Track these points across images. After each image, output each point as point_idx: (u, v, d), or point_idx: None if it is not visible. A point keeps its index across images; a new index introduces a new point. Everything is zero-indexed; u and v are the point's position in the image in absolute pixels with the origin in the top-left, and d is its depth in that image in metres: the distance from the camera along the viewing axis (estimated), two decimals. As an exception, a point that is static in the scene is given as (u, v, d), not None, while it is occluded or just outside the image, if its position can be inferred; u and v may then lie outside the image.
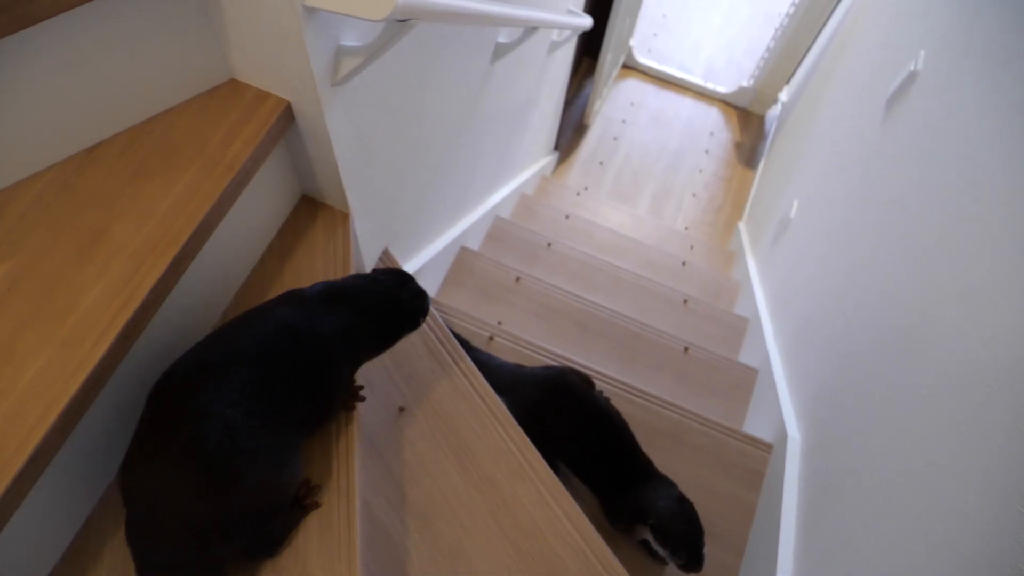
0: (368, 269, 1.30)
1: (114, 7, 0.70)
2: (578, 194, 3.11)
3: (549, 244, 2.27)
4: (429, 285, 1.80)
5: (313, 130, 0.93)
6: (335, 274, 1.07)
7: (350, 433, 0.95)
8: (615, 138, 3.60)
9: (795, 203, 2.38)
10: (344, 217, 1.12)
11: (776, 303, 2.16)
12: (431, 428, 1.21)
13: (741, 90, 3.82)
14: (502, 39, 1.54)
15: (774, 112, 3.85)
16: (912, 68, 1.54)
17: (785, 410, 1.60)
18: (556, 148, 3.37)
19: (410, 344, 1.29)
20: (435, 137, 1.39)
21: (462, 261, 1.93)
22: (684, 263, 2.63)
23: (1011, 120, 1.06)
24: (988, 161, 1.10)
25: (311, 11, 0.75)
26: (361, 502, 1.11)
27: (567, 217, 2.64)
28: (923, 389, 1.05)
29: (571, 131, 3.59)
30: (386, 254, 1.36)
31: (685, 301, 2.24)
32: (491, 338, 1.59)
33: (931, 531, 0.90)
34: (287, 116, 0.91)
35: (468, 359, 1.29)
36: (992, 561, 0.75)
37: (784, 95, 3.74)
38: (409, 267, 1.60)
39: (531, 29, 1.54)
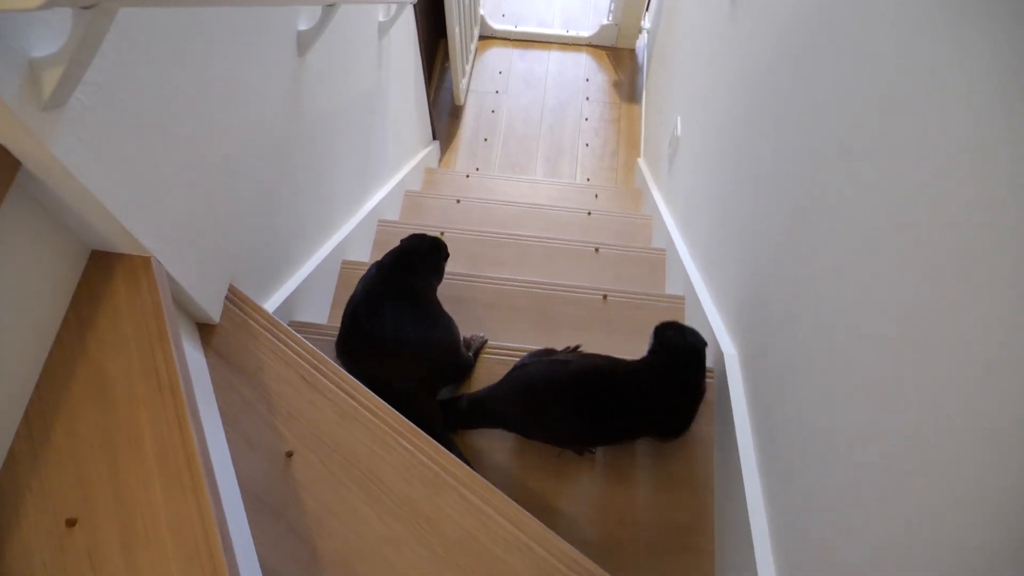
0: (209, 313, 1.13)
1: None
2: (467, 176, 2.98)
3: (442, 232, 2.12)
4: (315, 309, 1.64)
5: (45, 169, 0.77)
6: (148, 333, 0.91)
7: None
8: (492, 111, 3.47)
9: (678, 120, 2.29)
10: (145, 262, 0.95)
11: (685, 223, 2.06)
12: (327, 465, 1.06)
13: (604, 29, 3.72)
14: (303, 26, 1.39)
15: (642, 42, 3.77)
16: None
17: (716, 328, 1.49)
18: (435, 137, 3.22)
19: (282, 380, 1.14)
20: (250, 149, 1.22)
21: (347, 276, 1.77)
22: (589, 213, 2.52)
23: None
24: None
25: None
26: (268, 571, 0.96)
27: (458, 202, 2.50)
28: (833, 259, 0.95)
29: (446, 116, 3.44)
30: (233, 292, 1.20)
31: (596, 249, 2.13)
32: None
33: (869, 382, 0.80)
34: (3, 164, 0.74)
35: (349, 377, 1.14)
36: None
37: (646, 22, 3.66)
38: (278, 296, 1.44)
39: (329, 9, 1.39)
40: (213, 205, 1.11)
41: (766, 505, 1.12)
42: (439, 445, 1.08)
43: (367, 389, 1.13)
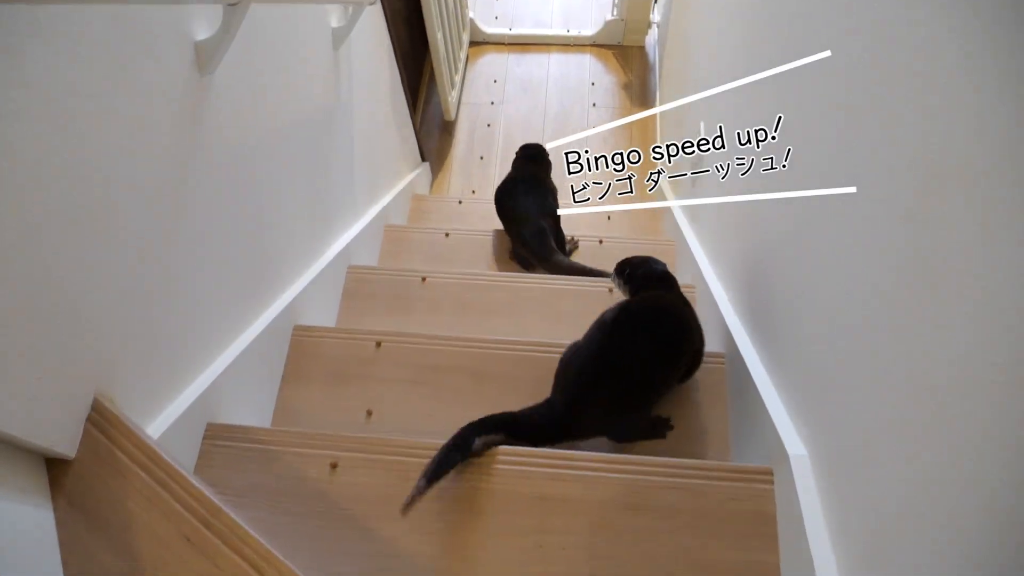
0: (55, 447, 0.78)
1: None
2: (460, 202, 2.62)
3: (424, 278, 1.77)
4: (253, 401, 1.29)
5: None
6: None
7: None
8: (488, 125, 3.12)
9: (701, 124, 1.92)
10: None
11: (717, 253, 1.69)
12: None
13: (608, 25, 3.36)
14: (202, 35, 1.04)
15: (652, 37, 3.40)
16: None
17: (772, 408, 1.12)
18: (424, 159, 2.87)
19: (160, 542, 0.79)
20: (125, 199, 0.87)
21: (300, 344, 1.42)
22: (601, 241, 2.16)
23: None
24: None
25: None
26: None
27: (447, 235, 2.15)
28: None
29: (438, 133, 3.10)
30: (98, 409, 0.85)
31: (611, 290, 1.76)
32: (333, 467, 1.08)
33: None
34: None
35: (253, 537, 0.78)
36: None
37: (655, 15, 3.30)
38: (191, 391, 1.09)
39: (233, 9, 1.04)
40: (55, 280, 0.76)
41: None
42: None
43: (278, 555, 0.77)
